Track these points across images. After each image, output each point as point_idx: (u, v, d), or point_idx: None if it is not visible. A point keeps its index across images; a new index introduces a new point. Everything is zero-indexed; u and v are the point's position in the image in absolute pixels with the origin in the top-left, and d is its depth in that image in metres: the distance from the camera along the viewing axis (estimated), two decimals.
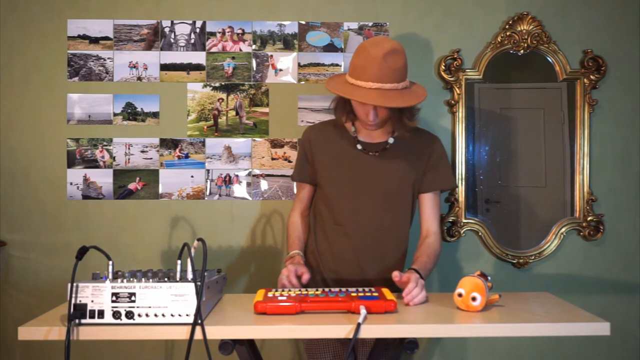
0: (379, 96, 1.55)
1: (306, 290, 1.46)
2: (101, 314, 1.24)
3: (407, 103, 1.59)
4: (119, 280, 1.28)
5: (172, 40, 2.20)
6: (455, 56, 2.20)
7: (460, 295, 1.40)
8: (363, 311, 1.30)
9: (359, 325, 1.25)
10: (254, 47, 2.22)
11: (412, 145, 1.76)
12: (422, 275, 1.58)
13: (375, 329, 1.27)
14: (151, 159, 2.21)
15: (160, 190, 2.21)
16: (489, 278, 1.45)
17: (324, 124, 1.85)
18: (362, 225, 1.74)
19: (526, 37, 2.20)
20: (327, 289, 1.46)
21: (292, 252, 1.76)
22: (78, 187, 2.20)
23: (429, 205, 1.78)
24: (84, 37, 2.19)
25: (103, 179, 2.20)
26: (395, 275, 1.50)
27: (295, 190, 2.07)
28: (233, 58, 2.21)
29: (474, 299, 1.38)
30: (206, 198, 2.22)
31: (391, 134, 1.76)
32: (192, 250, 1.33)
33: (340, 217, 1.76)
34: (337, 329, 1.27)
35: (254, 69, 2.22)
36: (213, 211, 2.22)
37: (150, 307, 1.25)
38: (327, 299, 1.37)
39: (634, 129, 2.26)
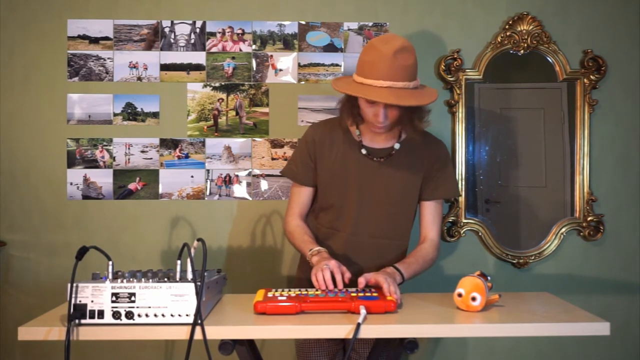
0: (391, 94, 1.48)
1: (306, 290, 1.46)
2: (101, 314, 1.24)
3: (420, 102, 1.52)
4: (119, 280, 1.28)
5: (172, 40, 2.20)
6: (455, 56, 2.20)
7: (460, 295, 1.40)
8: (363, 311, 1.30)
9: (358, 325, 1.25)
10: (254, 47, 2.22)
11: (418, 151, 1.71)
12: (403, 273, 1.56)
13: (375, 329, 1.27)
14: (151, 159, 2.21)
15: (160, 190, 2.21)
16: (489, 278, 1.44)
17: (327, 124, 1.77)
18: (363, 232, 1.71)
19: (526, 37, 2.20)
20: (327, 289, 1.46)
21: (314, 248, 1.61)
22: (78, 187, 2.20)
23: (429, 213, 1.73)
24: (84, 37, 2.19)
25: (103, 179, 2.20)
26: (361, 282, 1.47)
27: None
28: (233, 58, 2.21)
29: (473, 299, 1.38)
30: (206, 198, 2.22)
31: (397, 139, 1.71)
32: (192, 250, 1.33)
33: (339, 223, 1.73)
34: (337, 329, 1.27)
35: (254, 69, 2.22)
36: (213, 211, 2.22)
37: (150, 307, 1.25)
38: (327, 299, 1.37)
39: (634, 129, 2.26)
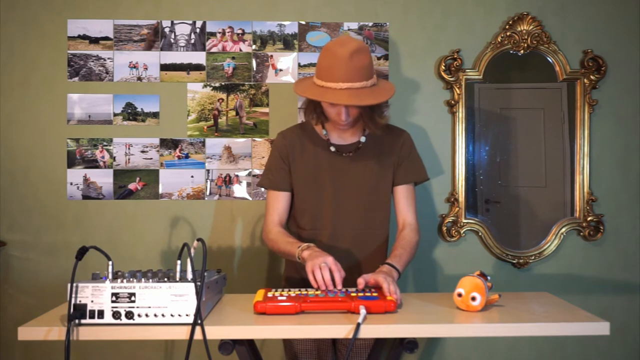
0: (350, 95, 1.56)
1: (306, 290, 1.46)
2: (101, 314, 1.24)
3: (377, 100, 1.60)
4: (119, 280, 1.28)
5: (172, 40, 2.20)
6: (455, 56, 2.20)
7: (460, 295, 1.40)
8: (363, 311, 1.30)
9: (358, 325, 1.25)
10: (254, 47, 2.22)
11: (384, 142, 1.78)
12: (398, 268, 1.58)
13: (375, 329, 1.27)
14: (151, 159, 2.21)
15: (160, 190, 2.21)
16: (489, 278, 1.45)
17: (294, 130, 1.84)
18: (343, 227, 1.74)
19: (526, 37, 2.20)
20: (326, 289, 1.46)
21: (302, 244, 1.59)
22: (78, 187, 2.20)
23: (403, 198, 1.78)
24: (84, 37, 2.19)
25: (103, 179, 2.20)
26: (360, 282, 1.48)
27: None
28: (233, 58, 2.21)
29: (473, 299, 1.38)
30: (206, 198, 2.22)
31: (363, 133, 1.78)
32: (192, 250, 1.33)
33: (320, 222, 1.76)
34: (337, 329, 1.27)
35: (254, 69, 2.22)
36: (213, 211, 2.22)
37: (150, 307, 1.25)
38: (327, 299, 1.37)
39: (634, 129, 2.26)
